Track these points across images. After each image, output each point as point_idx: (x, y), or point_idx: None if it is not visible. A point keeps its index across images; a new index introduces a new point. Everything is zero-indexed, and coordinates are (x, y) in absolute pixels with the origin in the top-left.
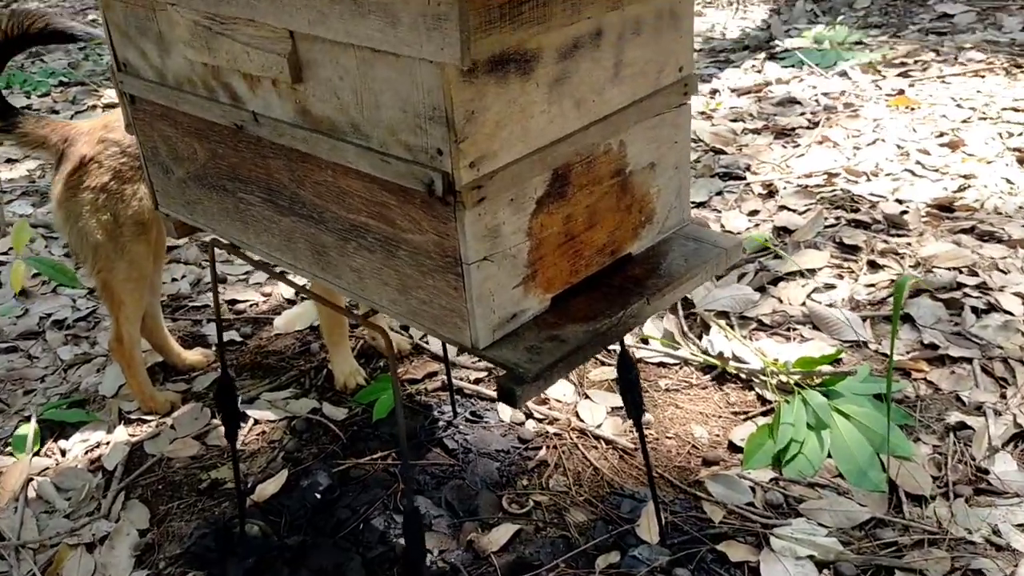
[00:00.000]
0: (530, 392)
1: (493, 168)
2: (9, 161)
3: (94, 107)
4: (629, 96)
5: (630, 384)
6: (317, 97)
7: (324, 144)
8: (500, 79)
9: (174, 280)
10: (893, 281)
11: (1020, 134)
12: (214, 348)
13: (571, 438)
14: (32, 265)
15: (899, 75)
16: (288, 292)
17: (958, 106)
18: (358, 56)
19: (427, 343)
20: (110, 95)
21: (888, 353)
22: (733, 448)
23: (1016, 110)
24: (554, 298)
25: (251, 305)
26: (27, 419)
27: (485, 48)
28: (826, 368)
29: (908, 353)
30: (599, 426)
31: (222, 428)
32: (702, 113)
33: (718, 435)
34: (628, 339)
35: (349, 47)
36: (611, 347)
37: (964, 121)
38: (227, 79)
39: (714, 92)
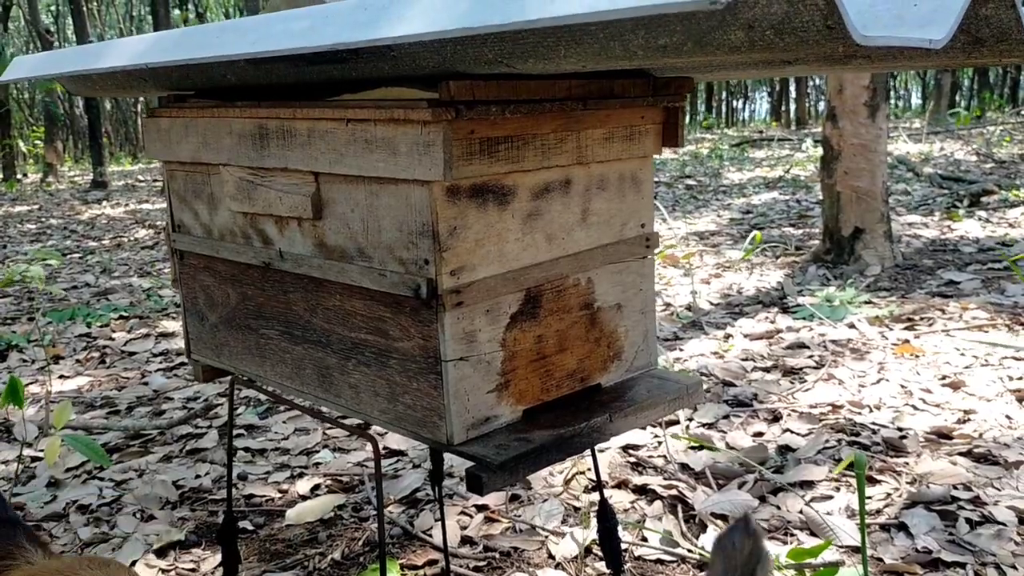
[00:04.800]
0: (495, 481)
1: (471, 279)
2: (62, 377)
3: (147, 335)
4: (595, 240)
5: (608, 533)
6: (332, 230)
7: (335, 268)
8: (480, 205)
9: (197, 477)
10: (890, 495)
11: (1020, 378)
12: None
13: None
14: (68, 443)
15: (905, 328)
16: (304, 488)
17: (961, 354)
18: (367, 189)
19: (431, 536)
20: (164, 326)
21: (882, 558)
22: None
23: (1017, 359)
24: (526, 412)
25: (267, 500)
26: None
27: (466, 173)
28: (817, 561)
29: (902, 558)
30: None
31: None
32: (715, 353)
33: None
34: (627, 536)
35: (360, 182)
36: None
37: (967, 367)
38: (261, 225)
39: (727, 336)
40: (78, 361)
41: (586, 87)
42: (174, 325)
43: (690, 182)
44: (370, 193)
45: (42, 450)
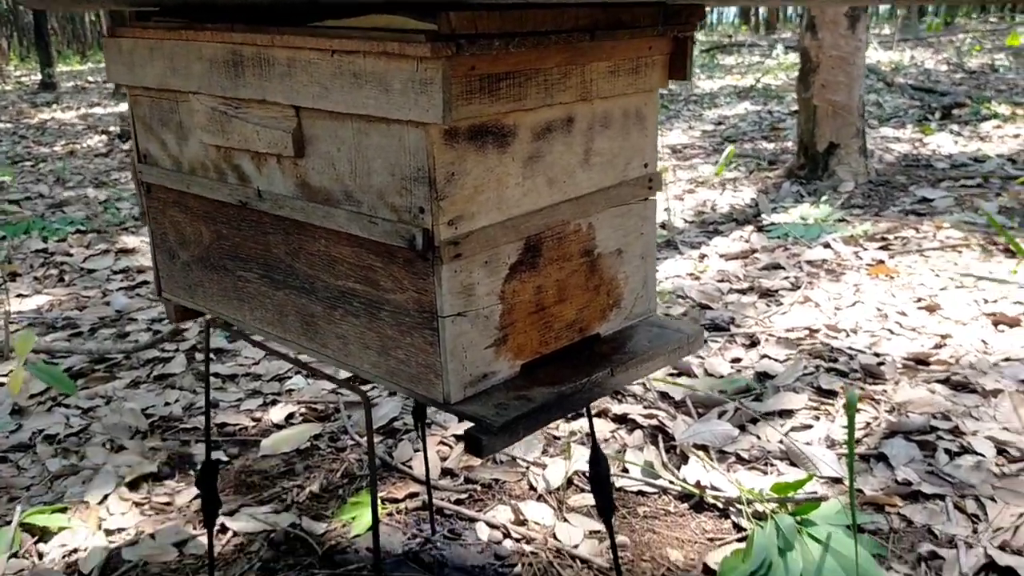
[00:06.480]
0: (495, 443)
1: (470, 229)
2: (20, 296)
3: (107, 251)
4: (598, 182)
5: (600, 478)
6: (316, 170)
7: (319, 212)
8: (479, 148)
9: (167, 404)
10: (869, 424)
11: (995, 301)
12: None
13: (547, 557)
14: (32, 372)
15: (879, 248)
16: (278, 416)
17: (936, 276)
18: (354, 127)
19: (411, 467)
20: (124, 241)
21: (862, 490)
22: (708, 572)
23: (991, 280)
24: (524, 366)
25: (240, 428)
26: (8, 523)
27: (465, 114)
28: (800, 495)
29: (882, 489)
30: (576, 546)
31: (202, 539)
32: (691, 274)
33: (693, 559)
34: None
35: (347, 119)
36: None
37: (942, 289)
38: (237, 160)
39: (703, 257)
40: (36, 279)
41: (594, 17)
42: (134, 240)
43: (660, 91)
44: (358, 131)
45: (4, 375)
